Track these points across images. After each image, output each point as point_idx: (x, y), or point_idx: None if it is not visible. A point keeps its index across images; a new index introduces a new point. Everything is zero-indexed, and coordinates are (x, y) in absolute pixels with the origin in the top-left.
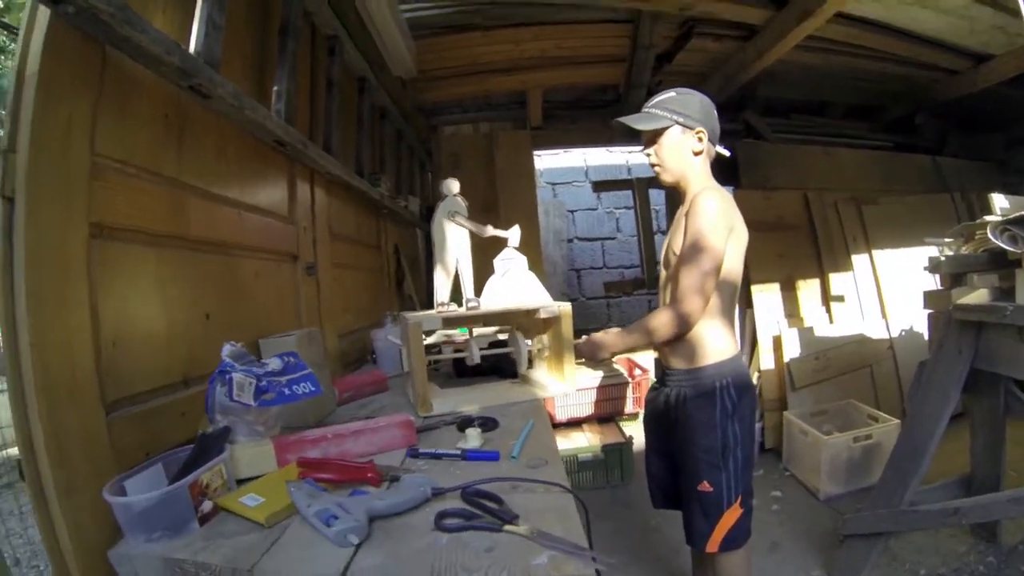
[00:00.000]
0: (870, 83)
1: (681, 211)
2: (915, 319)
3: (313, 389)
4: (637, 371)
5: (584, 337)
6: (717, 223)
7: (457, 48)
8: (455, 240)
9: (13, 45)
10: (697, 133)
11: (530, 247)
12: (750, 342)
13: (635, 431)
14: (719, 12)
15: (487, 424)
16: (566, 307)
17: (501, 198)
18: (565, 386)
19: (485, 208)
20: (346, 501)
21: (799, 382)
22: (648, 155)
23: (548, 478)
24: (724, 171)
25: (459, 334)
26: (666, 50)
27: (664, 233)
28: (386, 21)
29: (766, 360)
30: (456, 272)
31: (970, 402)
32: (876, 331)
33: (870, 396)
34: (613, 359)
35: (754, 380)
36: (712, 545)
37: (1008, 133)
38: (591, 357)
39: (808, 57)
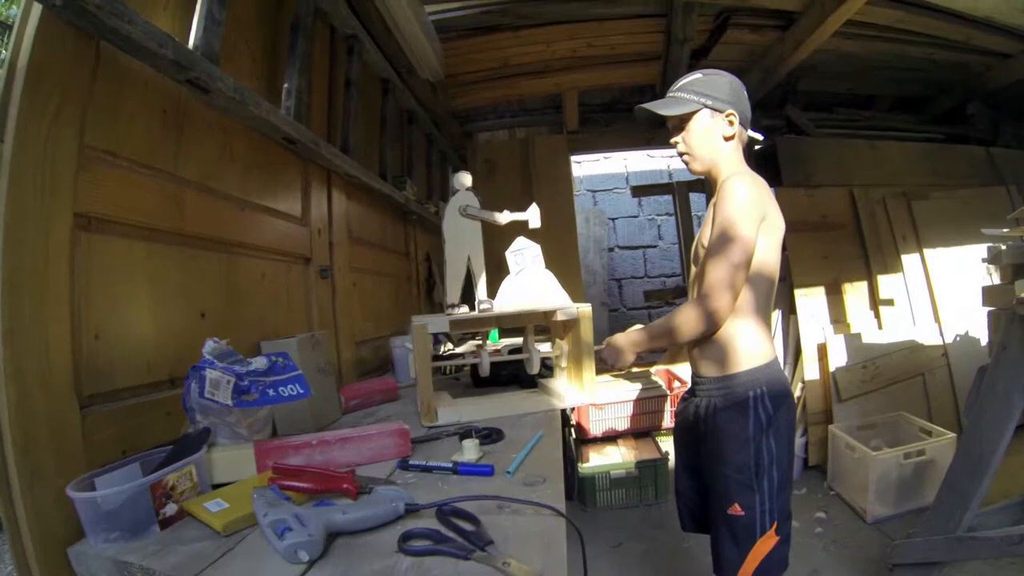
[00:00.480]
0: (917, 72)
1: (712, 202)
2: (971, 323)
3: (301, 392)
4: (676, 383)
5: (605, 342)
6: (747, 210)
7: (486, 50)
8: (467, 236)
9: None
10: (727, 116)
11: (568, 255)
12: (793, 351)
13: (671, 446)
14: None
15: (491, 435)
16: (586, 309)
17: (538, 204)
18: (584, 396)
19: None
20: (305, 513)
21: (845, 393)
22: (676, 143)
23: (543, 498)
24: (763, 168)
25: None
26: (701, 45)
27: None
28: (409, 22)
29: (810, 370)
30: (468, 271)
31: None
32: (928, 337)
33: (922, 408)
34: (651, 368)
35: (797, 391)
36: None
37: None
38: (615, 365)
39: (850, 45)
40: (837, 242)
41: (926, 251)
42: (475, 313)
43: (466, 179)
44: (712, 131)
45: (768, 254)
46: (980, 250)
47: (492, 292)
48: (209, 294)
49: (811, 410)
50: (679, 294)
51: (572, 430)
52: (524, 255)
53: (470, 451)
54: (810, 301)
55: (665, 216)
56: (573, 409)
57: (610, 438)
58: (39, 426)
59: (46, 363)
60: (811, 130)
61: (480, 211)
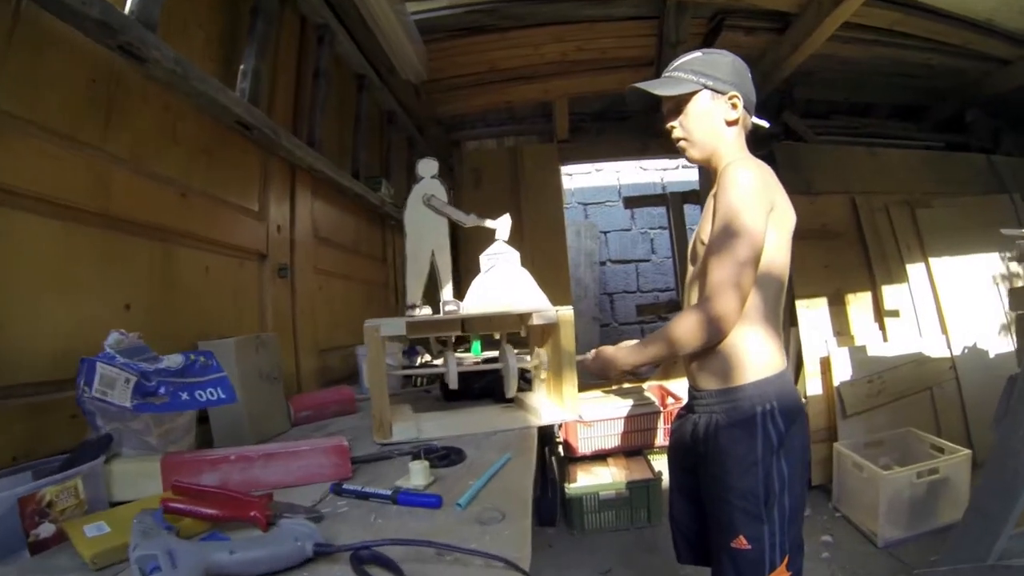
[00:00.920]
0: (915, 79)
1: (711, 193)
2: (979, 334)
3: (223, 396)
4: (670, 400)
5: (592, 352)
6: (753, 199)
7: (472, 52)
8: (431, 229)
9: None
10: (730, 99)
11: (557, 268)
12: (794, 364)
13: (665, 466)
14: None
15: (448, 456)
16: (566, 312)
17: (526, 215)
18: (564, 412)
19: None
20: (184, 548)
21: (851, 408)
22: (672, 128)
23: (499, 540)
24: None
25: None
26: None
27: None
28: (388, 18)
29: (813, 385)
30: (432, 268)
31: None
32: (936, 349)
33: (930, 423)
34: (644, 384)
35: None
36: None
37: None
38: (601, 375)
39: (847, 50)
40: (839, 251)
41: (931, 260)
42: (438, 316)
43: (432, 166)
44: (712, 114)
45: (778, 249)
46: (988, 258)
47: (463, 294)
48: (137, 284)
49: (814, 427)
50: (672, 308)
51: (560, 448)
52: (499, 260)
53: (417, 476)
54: (812, 312)
55: (659, 230)
56: (560, 426)
57: (599, 457)
58: None
59: None
60: (810, 136)
61: (445, 205)
